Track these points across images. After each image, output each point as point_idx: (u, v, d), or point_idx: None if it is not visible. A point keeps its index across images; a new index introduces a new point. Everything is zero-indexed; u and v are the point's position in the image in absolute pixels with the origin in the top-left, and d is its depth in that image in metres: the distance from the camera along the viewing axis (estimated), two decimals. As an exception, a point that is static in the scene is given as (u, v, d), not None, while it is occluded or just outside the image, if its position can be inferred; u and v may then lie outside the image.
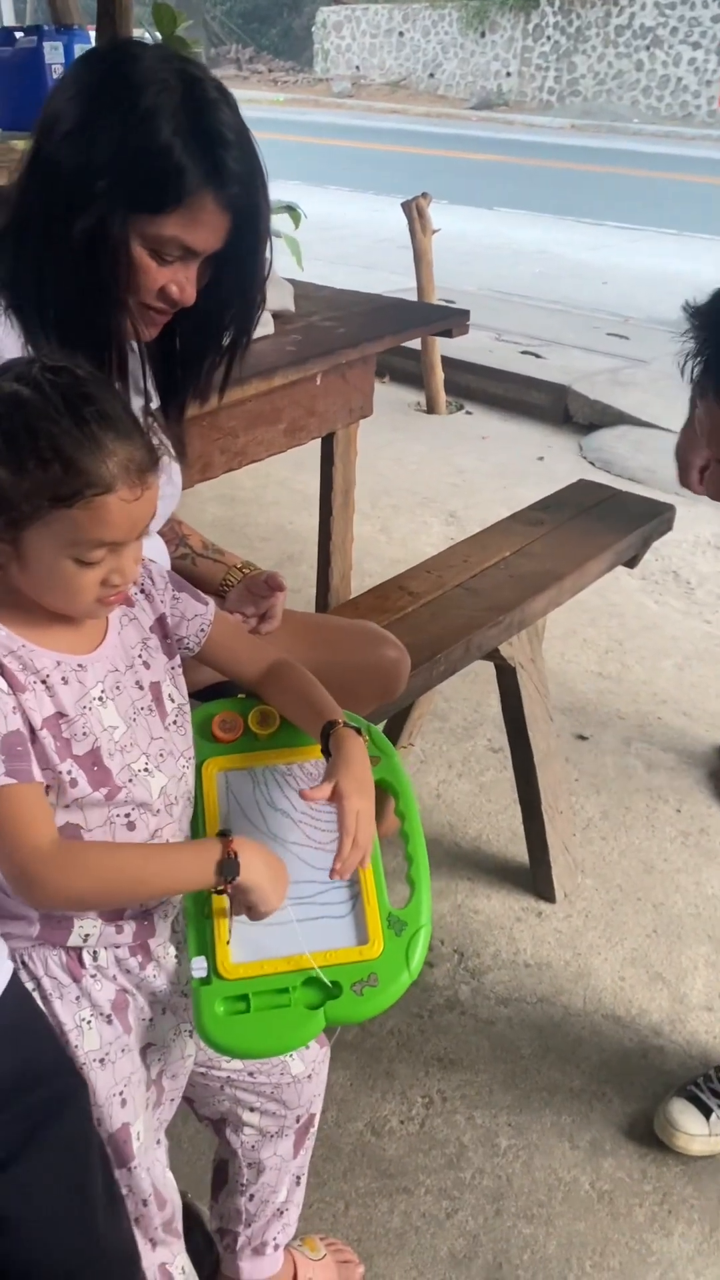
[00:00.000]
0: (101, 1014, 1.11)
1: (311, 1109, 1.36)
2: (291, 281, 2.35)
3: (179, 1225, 1.29)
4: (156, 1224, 1.23)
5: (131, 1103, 1.14)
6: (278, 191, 1.49)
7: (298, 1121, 1.36)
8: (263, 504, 3.99)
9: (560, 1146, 1.75)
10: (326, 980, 1.10)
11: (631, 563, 2.38)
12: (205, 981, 1.09)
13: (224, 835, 1.06)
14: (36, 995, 1.08)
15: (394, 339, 2.26)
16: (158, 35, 3.21)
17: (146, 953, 1.14)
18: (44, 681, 1.01)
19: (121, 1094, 1.13)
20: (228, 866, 1.04)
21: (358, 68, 20.92)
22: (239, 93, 1.26)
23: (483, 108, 18.09)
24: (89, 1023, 1.10)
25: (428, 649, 1.84)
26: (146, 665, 1.12)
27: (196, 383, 1.38)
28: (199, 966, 1.09)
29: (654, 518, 2.35)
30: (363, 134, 15.37)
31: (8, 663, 0.99)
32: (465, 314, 2.45)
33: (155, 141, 1.12)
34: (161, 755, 1.10)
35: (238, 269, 1.26)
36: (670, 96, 16.69)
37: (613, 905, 2.23)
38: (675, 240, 8.75)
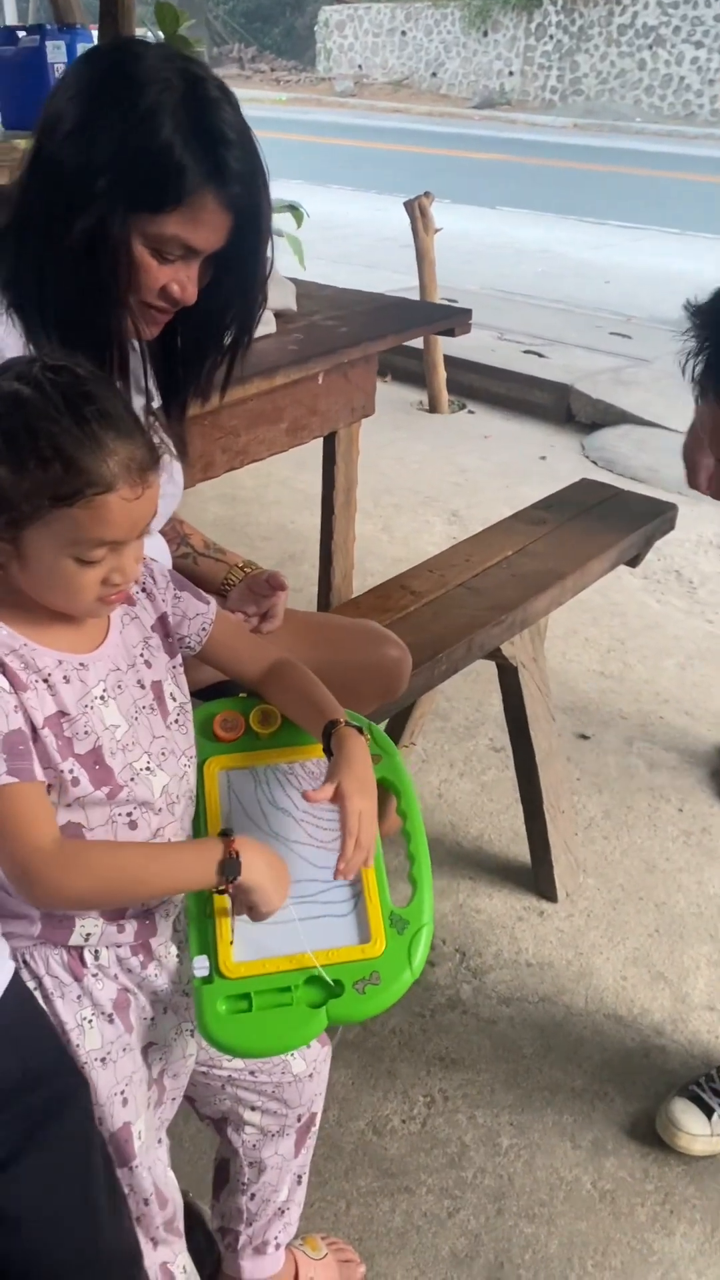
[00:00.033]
0: (103, 1013, 1.11)
1: (313, 1108, 1.36)
2: (294, 280, 2.35)
3: (180, 1224, 1.29)
4: (158, 1223, 1.23)
5: (133, 1102, 1.14)
6: (280, 190, 1.49)
7: (299, 1120, 1.36)
8: (264, 503, 3.99)
9: (562, 1146, 1.75)
10: (329, 979, 1.10)
11: (634, 562, 2.38)
12: (207, 980, 1.09)
13: (226, 835, 1.06)
14: (38, 994, 1.08)
15: (396, 338, 2.26)
16: (160, 34, 3.21)
17: (148, 952, 1.14)
18: (45, 680, 1.01)
19: (123, 1093, 1.13)
20: (229, 866, 1.04)
21: (360, 67, 20.89)
22: (241, 92, 1.26)
23: (485, 107, 18.06)
24: (90, 1022, 1.10)
25: (429, 648, 1.84)
26: (148, 664, 1.12)
27: (198, 382, 1.38)
28: (201, 965, 1.09)
29: (656, 517, 2.34)
30: (365, 133, 15.34)
31: (9, 662, 0.99)
32: (467, 313, 2.45)
33: (156, 140, 1.12)
34: (163, 754, 1.10)
35: (239, 268, 1.26)
36: (673, 95, 16.66)
37: (615, 905, 2.23)
38: (678, 239, 8.74)
